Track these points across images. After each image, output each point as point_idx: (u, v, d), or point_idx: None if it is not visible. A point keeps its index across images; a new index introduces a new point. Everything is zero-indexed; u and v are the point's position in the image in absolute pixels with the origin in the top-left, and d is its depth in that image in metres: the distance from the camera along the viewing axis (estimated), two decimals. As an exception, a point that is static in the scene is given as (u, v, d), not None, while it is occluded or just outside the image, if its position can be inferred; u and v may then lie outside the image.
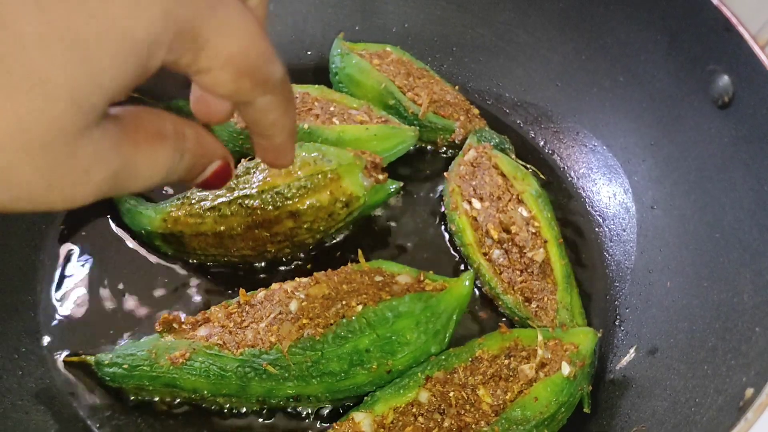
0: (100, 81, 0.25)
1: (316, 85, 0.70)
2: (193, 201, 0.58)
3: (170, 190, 0.63)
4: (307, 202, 0.56)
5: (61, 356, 0.55)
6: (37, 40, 0.24)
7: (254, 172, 0.58)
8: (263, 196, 0.56)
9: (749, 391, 0.42)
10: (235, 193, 0.56)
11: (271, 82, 0.32)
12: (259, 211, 0.56)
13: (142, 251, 0.61)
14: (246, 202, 0.56)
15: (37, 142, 0.25)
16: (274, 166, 0.40)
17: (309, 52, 0.78)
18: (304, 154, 0.57)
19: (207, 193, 0.58)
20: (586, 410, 0.54)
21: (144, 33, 0.26)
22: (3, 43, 0.23)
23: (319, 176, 0.56)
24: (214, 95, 0.32)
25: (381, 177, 0.60)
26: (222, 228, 0.57)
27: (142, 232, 0.60)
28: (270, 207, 0.56)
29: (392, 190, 0.61)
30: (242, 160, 0.60)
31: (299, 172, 0.56)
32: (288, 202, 0.56)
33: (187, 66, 0.29)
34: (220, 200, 0.57)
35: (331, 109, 0.67)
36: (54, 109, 0.24)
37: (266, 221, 0.56)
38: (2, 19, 0.23)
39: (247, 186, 0.56)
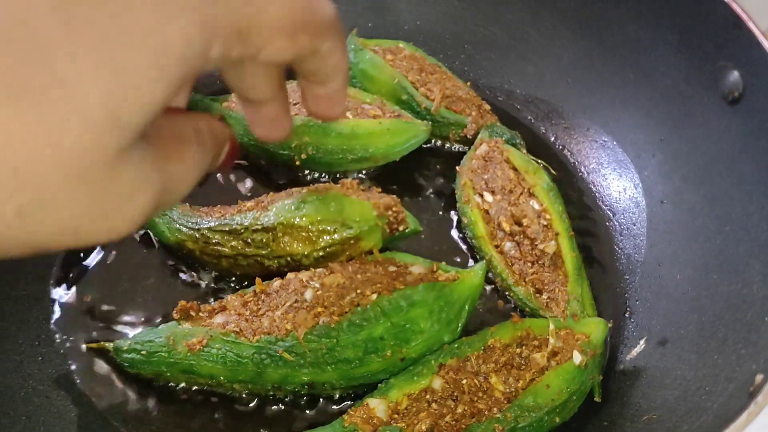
0: (139, 96, 0.22)
1: (330, 81, 0.71)
2: (213, 242, 0.58)
3: None
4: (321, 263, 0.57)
5: (81, 343, 0.56)
6: (65, 52, 0.21)
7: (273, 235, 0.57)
8: (279, 260, 0.57)
9: (759, 377, 0.43)
10: (252, 250, 0.57)
11: (326, 25, 0.31)
12: (272, 268, 0.57)
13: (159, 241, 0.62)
14: (261, 260, 0.57)
15: (74, 168, 0.22)
16: (326, 116, 0.38)
17: (323, 49, 0.79)
18: (324, 226, 0.57)
19: (226, 239, 0.58)
20: (597, 399, 0.55)
21: (179, 42, 0.23)
22: (28, 56, 0.20)
23: (338, 245, 0.57)
24: (277, 64, 0.30)
25: (401, 228, 0.59)
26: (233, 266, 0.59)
27: (156, 238, 0.62)
28: (285, 268, 0.57)
29: (407, 231, 0.60)
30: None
31: (319, 240, 0.56)
32: (303, 263, 0.57)
33: (239, 57, 0.27)
34: (236, 253, 0.57)
35: (345, 103, 0.68)
36: (91, 130, 0.21)
37: (278, 273, 0.57)
38: (25, 27, 0.20)
39: (266, 249, 0.57)
